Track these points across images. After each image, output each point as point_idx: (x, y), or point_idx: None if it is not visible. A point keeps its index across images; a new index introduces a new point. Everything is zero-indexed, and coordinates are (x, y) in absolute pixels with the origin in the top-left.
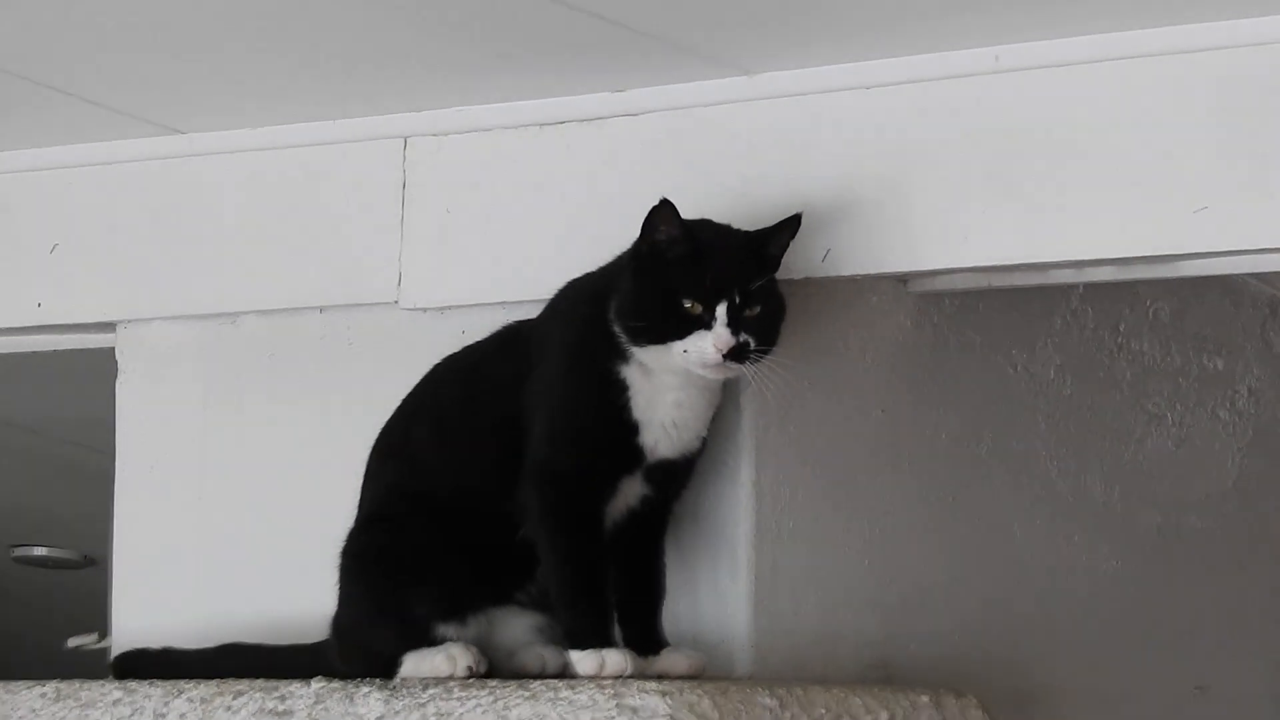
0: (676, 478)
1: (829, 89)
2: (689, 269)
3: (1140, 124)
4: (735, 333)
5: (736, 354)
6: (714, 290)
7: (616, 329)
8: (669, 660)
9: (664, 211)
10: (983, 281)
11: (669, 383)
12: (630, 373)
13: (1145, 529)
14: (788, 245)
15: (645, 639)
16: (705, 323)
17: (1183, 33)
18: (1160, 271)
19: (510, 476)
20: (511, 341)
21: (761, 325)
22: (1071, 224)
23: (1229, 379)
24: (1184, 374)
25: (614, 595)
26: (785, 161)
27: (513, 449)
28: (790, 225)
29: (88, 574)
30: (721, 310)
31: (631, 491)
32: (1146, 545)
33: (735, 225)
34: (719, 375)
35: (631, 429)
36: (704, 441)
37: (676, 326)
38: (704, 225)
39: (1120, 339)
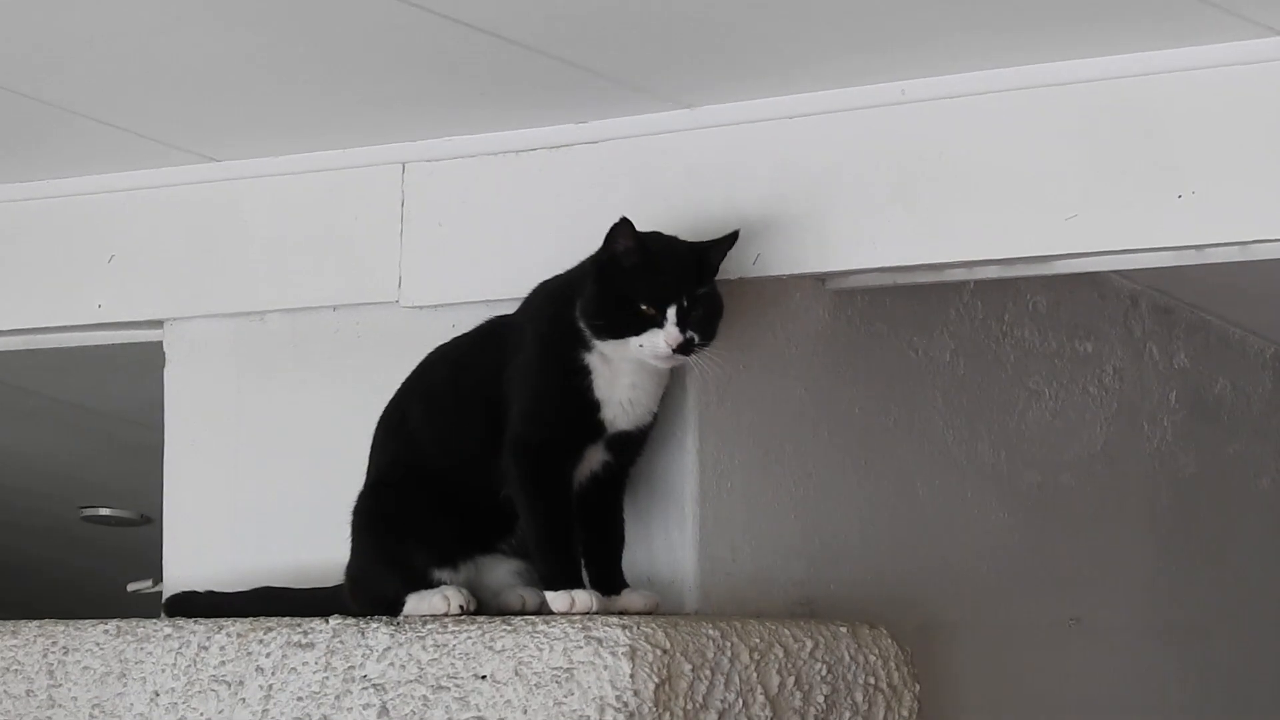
0: (632, 446)
1: (758, 119)
2: (644, 276)
3: (1020, 146)
4: (683, 330)
5: (684, 348)
6: (665, 295)
7: (582, 325)
8: (629, 599)
9: (623, 228)
10: (888, 280)
11: (625, 368)
12: (592, 359)
13: (1027, 487)
14: (725, 255)
15: (609, 581)
16: (658, 322)
17: (1054, 69)
18: (1038, 270)
19: (491, 447)
20: (491, 334)
21: (703, 323)
22: (963, 230)
23: (1097, 360)
24: (1059, 356)
25: (581, 544)
26: (721, 180)
27: (493, 424)
28: (729, 239)
29: (144, 530)
30: (671, 312)
31: (595, 458)
32: (1028, 500)
33: (680, 235)
34: (668, 365)
35: (594, 406)
36: (655, 416)
37: (633, 325)
38: (656, 238)
39: (1005, 327)
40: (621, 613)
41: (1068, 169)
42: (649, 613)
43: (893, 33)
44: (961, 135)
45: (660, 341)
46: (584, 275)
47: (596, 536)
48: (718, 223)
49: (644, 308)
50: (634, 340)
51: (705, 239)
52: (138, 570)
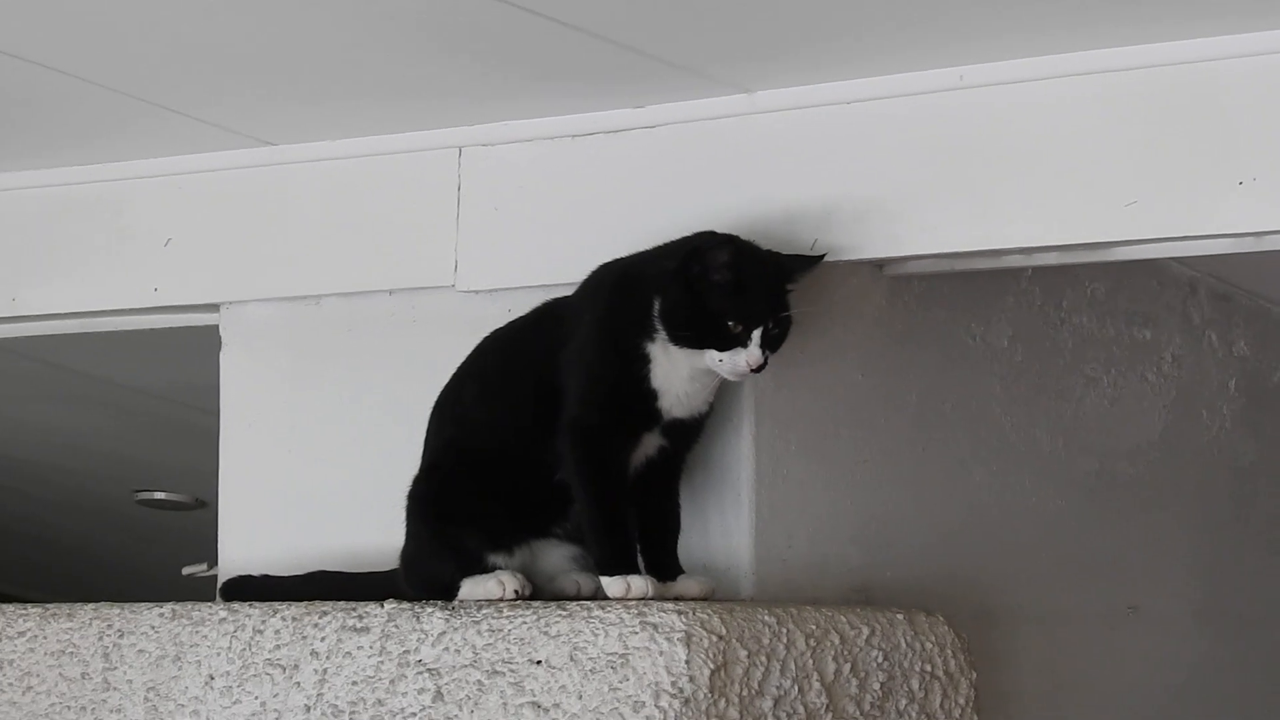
0: (688, 434)
1: (815, 104)
2: (734, 295)
3: (1079, 132)
4: (764, 352)
5: (762, 367)
6: (753, 317)
7: (659, 327)
8: (684, 585)
9: (725, 249)
10: (946, 266)
11: (684, 360)
12: (653, 349)
13: (1084, 474)
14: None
15: (664, 567)
16: (742, 341)
17: (1113, 55)
18: (1096, 256)
19: (547, 430)
20: (548, 317)
21: (777, 341)
22: (1021, 216)
23: (1155, 347)
24: (1117, 343)
25: (637, 530)
26: (779, 166)
27: (549, 407)
28: (815, 261)
29: (199, 514)
30: (757, 334)
31: (651, 444)
32: (1085, 487)
33: (738, 223)
34: (739, 380)
35: (651, 395)
36: (711, 405)
37: (718, 340)
38: (748, 252)
39: (1063, 314)
40: (677, 599)
41: (1127, 155)
42: (704, 599)
43: (951, 18)
44: (1019, 121)
45: (742, 361)
46: (661, 272)
47: (652, 522)
48: (773, 208)
49: (731, 325)
50: (715, 354)
51: (760, 231)
52: (193, 554)
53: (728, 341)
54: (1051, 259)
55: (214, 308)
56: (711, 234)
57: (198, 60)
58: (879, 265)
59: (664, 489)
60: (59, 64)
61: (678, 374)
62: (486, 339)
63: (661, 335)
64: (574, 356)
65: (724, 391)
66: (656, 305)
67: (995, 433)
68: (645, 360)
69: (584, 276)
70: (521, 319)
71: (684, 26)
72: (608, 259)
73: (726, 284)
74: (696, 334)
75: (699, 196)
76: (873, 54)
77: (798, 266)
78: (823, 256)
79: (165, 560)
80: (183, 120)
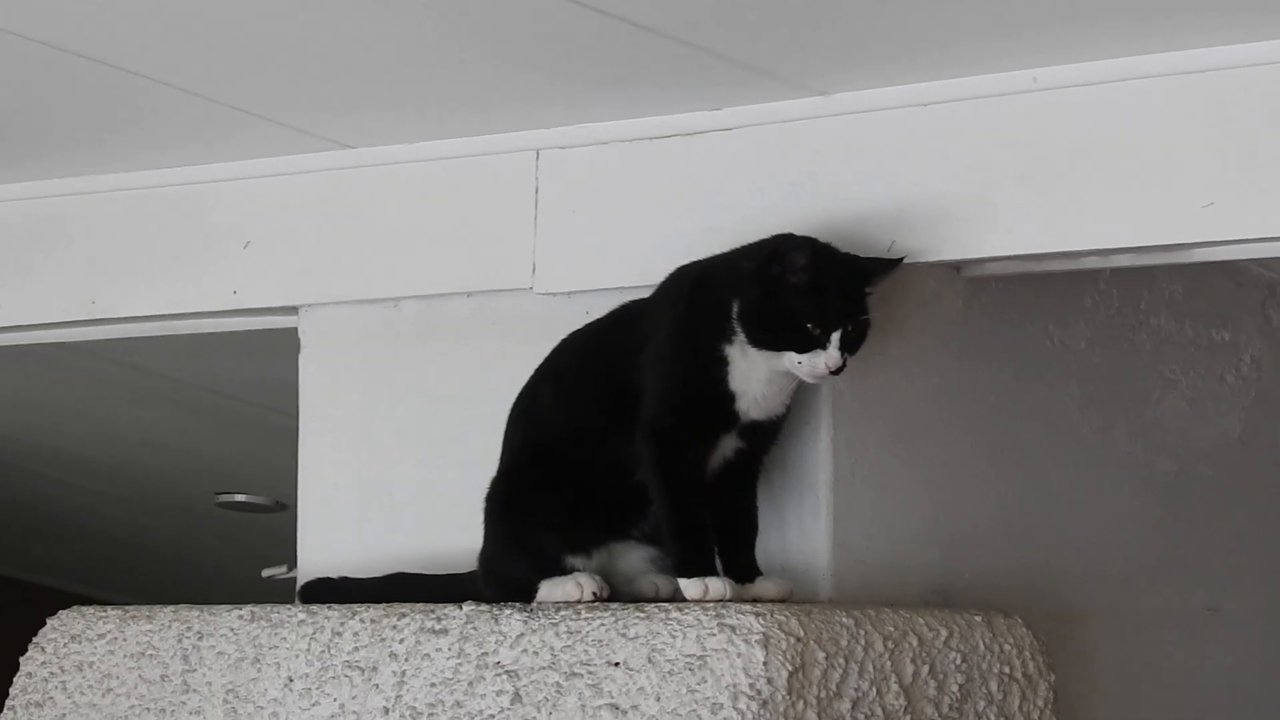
0: (766, 435)
1: (891, 106)
2: (813, 298)
3: (1156, 133)
4: (843, 354)
5: (840, 369)
6: (833, 319)
7: (737, 328)
8: (762, 586)
9: (802, 252)
10: (1024, 267)
11: (763, 363)
12: (731, 351)
13: (1163, 475)
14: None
15: (742, 568)
16: (821, 344)
17: (1189, 56)
18: (1174, 258)
19: (624, 432)
20: (626, 318)
21: (856, 344)
22: (1097, 218)
23: (1234, 349)
24: (1195, 345)
25: (715, 532)
26: (855, 168)
27: (627, 408)
28: (894, 264)
29: (279, 516)
30: (836, 336)
31: (728, 445)
32: (1164, 489)
33: (814, 224)
34: (817, 382)
35: (729, 397)
36: (788, 407)
37: (796, 342)
38: (824, 256)
39: (1141, 315)
40: (754, 600)
41: (1204, 156)
42: (782, 600)
43: (1025, 19)
44: (1095, 123)
45: (821, 363)
46: (739, 274)
47: (730, 524)
48: (849, 210)
49: (810, 327)
50: (794, 356)
51: (836, 233)
52: (272, 557)
53: (807, 344)
54: (1129, 260)
55: (293, 310)
56: (790, 236)
57: (278, 64)
58: (956, 267)
59: (742, 490)
60: (140, 68)
61: (755, 376)
62: (565, 340)
63: (740, 337)
64: (652, 358)
65: (802, 393)
66: (735, 307)
67: (1073, 434)
68: (723, 362)
69: (661, 278)
70: (599, 320)
71: (761, 29)
72: (684, 261)
73: (805, 286)
74: (775, 336)
75: (775, 199)
76: (948, 56)
77: (877, 269)
78: (902, 259)
79: (245, 562)
80: (263, 123)
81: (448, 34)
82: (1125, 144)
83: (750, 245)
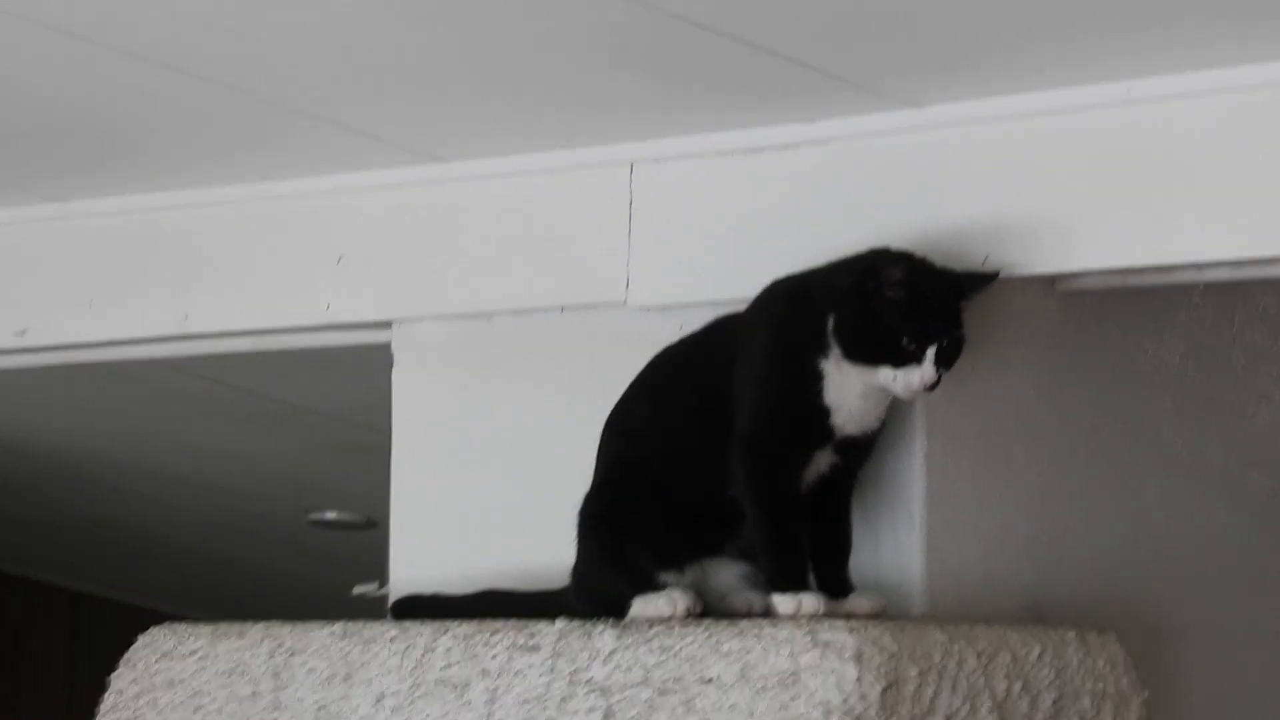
0: (861, 450)
1: (985, 119)
2: (910, 313)
3: (1250, 146)
4: (938, 370)
5: (935, 385)
6: (928, 335)
7: (833, 343)
8: (855, 602)
9: (897, 267)
10: (1117, 281)
11: (858, 378)
12: (827, 366)
13: (1257, 490)
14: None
15: (835, 584)
16: (916, 358)
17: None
18: (1269, 271)
19: (718, 446)
20: (720, 332)
21: (951, 359)
22: (1192, 231)
23: None
24: None
25: (808, 547)
26: (950, 180)
27: (721, 423)
28: (990, 278)
29: (370, 534)
30: (931, 351)
31: (823, 461)
32: (1258, 504)
33: (910, 236)
34: (911, 398)
35: (824, 412)
36: (883, 422)
37: (892, 357)
38: (922, 271)
39: (1234, 330)
40: (848, 615)
41: None
42: (876, 616)
43: (1119, 31)
44: (1189, 135)
45: (916, 379)
46: (835, 289)
47: (824, 539)
48: (945, 224)
49: (905, 342)
50: (889, 371)
51: (930, 245)
52: (362, 575)
53: (902, 358)
54: (1223, 274)
55: (386, 325)
56: (886, 251)
57: (370, 77)
58: (1050, 281)
59: (836, 506)
60: (230, 81)
61: (850, 390)
62: (659, 355)
63: (835, 351)
64: (747, 372)
65: (895, 408)
66: (830, 321)
67: (1167, 449)
68: (818, 376)
69: (755, 292)
70: (694, 334)
71: (856, 41)
72: (779, 275)
73: (900, 301)
74: (871, 350)
75: (870, 212)
76: (1042, 68)
77: (972, 284)
78: (998, 273)
79: (335, 580)
80: (355, 137)
81: (541, 45)
82: (1220, 156)
83: (847, 259)
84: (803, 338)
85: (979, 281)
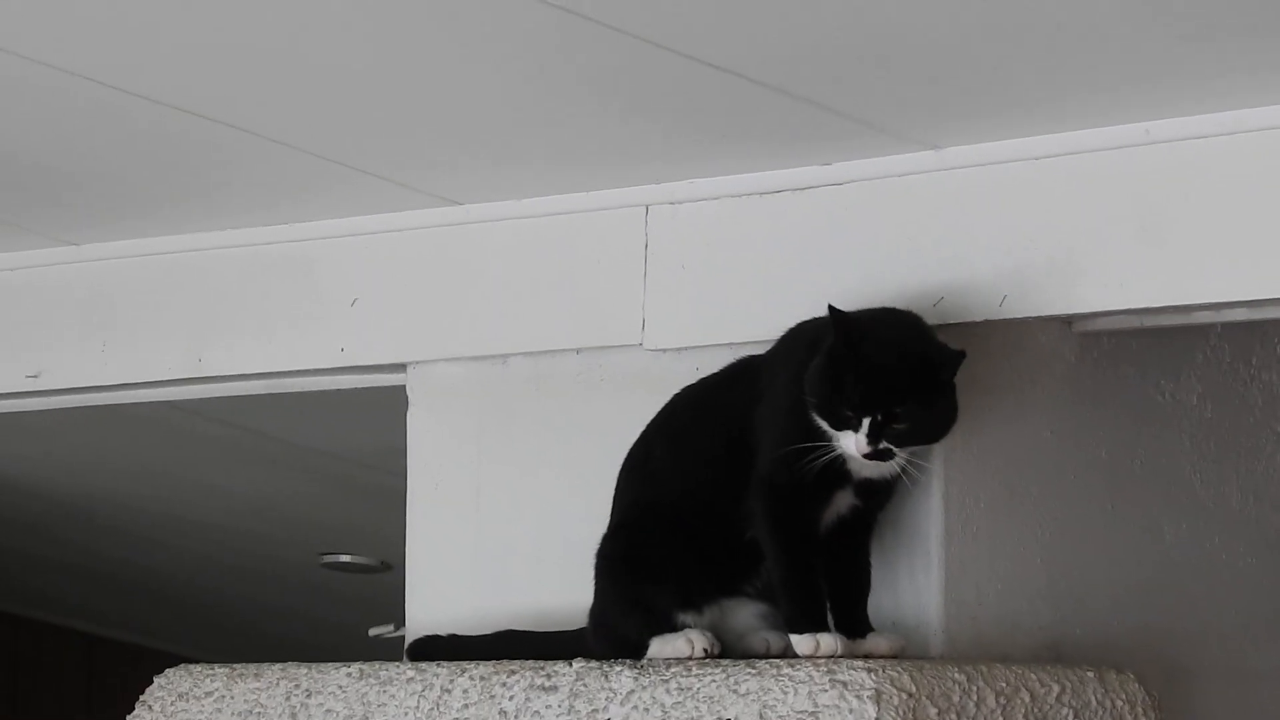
0: (880, 493)
1: (1003, 160)
2: (848, 378)
3: (1267, 186)
4: (874, 442)
5: (879, 455)
6: (862, 405)
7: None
8: (874, 642)
9: (837, 323)
10: (1135, 322)
11: None
12: None
13: (1275, 531)
14: (953, 371)
15: (854, 624)
16: (854, 426)
17: None
18: None
19: (737, 488)
20: (742, 374)
21: (908, 436)
22: (1210, 272)
23: None
24: None
25: (827, 587)
26: (967, 222)
27: (740, 464)
28: (955, 359)
29: (384, 577)
30: (866, 422)
31: (843, 502)
32: (1277, 544)
33: (919, 280)
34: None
35: (839, 457)
36: (904, 467)
37: (834, 418)
38: (874, 333)
39: (1252, 370)
40: (866, 656)
41: None
42: (894, 656)
43: (1137, 73)
44: (1207, 175)
45: (851, 445)
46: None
47: (842, 579)
48: (963, 265)
49: (844, 408)
50: (833, 432)
51: (948, 287)
52: (378, 618)
53: (843, 422)
54: (1241, 315)
55: (401, 368)
56: (869, 311)
57: (384, 120)
58: (1068, 322)
59: (855, 546)
60: (247, 124)
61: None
62: (678, 396)
63: None
64: (767, 416)
65: (915, 452)
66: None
67: (1185, 490)
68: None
69: (771, 334)
70: (715, 376)
71: (872, 83)
72: (795, 316)
73: (846, 363)
74: (820, 405)
75: (886, 253)
76: (1059, 109)
77: (934, 359)
78: (963, 353)
79: (350, 624)
80: (369, 180)
81: (556, 89)
82: (1238, 197)
83: (862, 310)
84: None
85: (941, 358)
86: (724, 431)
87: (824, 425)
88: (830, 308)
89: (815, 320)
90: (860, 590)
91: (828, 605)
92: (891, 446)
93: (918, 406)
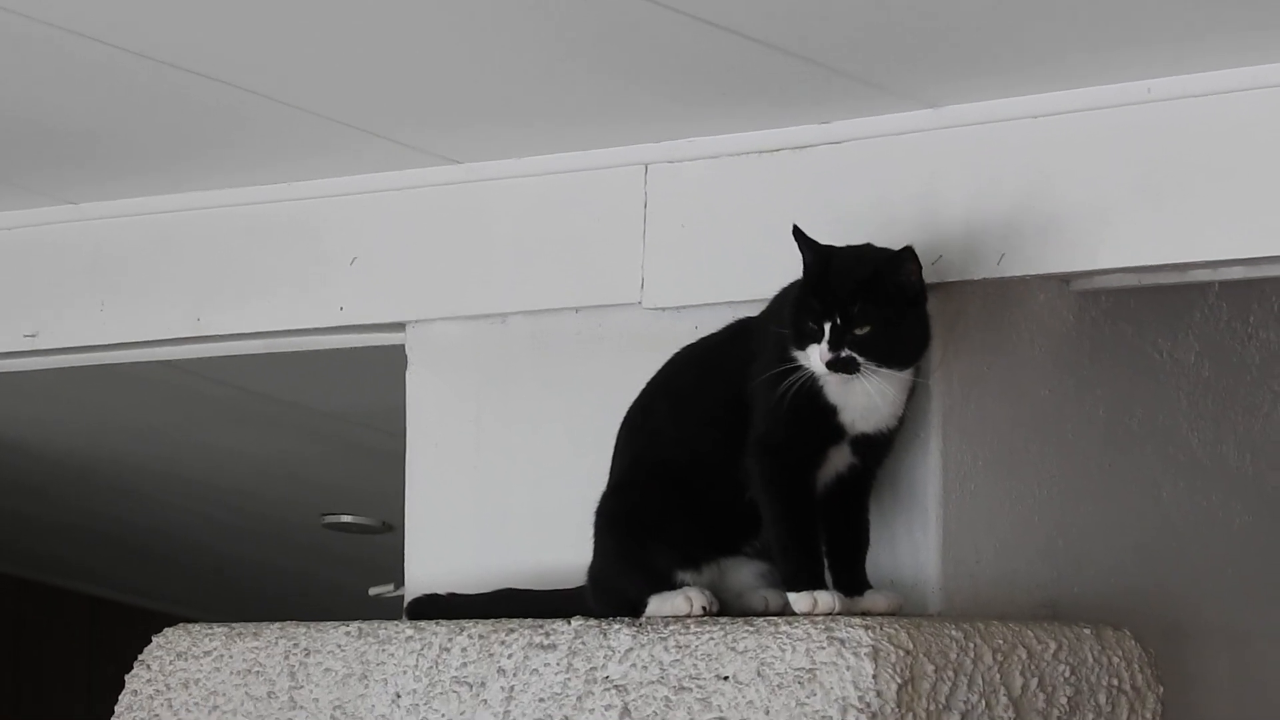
0: (877, 449)
1: (1002, 118)
2: (813, 290)
3: (1265, 144)
4: (836, 349)
5: (843, 365)
6: (823, 311)
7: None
8: (871, 600)
9: (797, 238)
10: (1133, 280)
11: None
12: None
13: (1273, 489)
14: (911, 272)
15: (852, 581)
16: (817, 337)
17: None
18: None
19: (736, 447)
20: (739, 334)
21: (871, 343)
22: (1208, 230)
23: None
24: None
25: (825, 545)
26: (965, 180)
27: (738, 424)
28: (901, 257)
29: (385, 537)
30: (827, 328)
31: (839, 460)
32: (1274, 503)
33: (917, 238)
34: (835, 379)
35: (830, 410)
36: (900, 420)
37: (804, 337)
38: (838, 252)
39: (1250, 329)
40: (864, 613)
41: None
42: (892, 614)
43: (1139, 31)
44: (1207, 134)
45: (816, 358)
46: None
47: (841, 537)
48: (960, 223)
49: (808, 322)
50: (801, 353)
51: (946, 245)
52: (379, 578)
53: (805, 338)
54: (1238, 273)
55: (400, 327)
56: (796, 230)
57: (385, 80)
58: (1065, 280)
59: (854, 504)
60: (248, 84)
61: (854, 387)
62: (678, 355)
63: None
64: (760, 374)
65: (911, 407)
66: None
67: (1182, 448)
68: (814, 376)
69: (769, 292)
70: (714, 335)
71: (870, 41)
72: (794, 274)
73: (810, 279)
74: (793, 332)
75: (886, 212)
76: (1059, 67)
77: (887, 261)
78: (908, 247)
79: (351, 584)
80: (369, 139)
81: (556, 49)
82: (1236, 154)
83: None
84: None
85: (894, 258)
86: (722, 392)
87: (796, 353)
88: (794, 228)
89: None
90: (858, 548)
91: (825, 563)
92: (855, 355)
93: (873, 307)
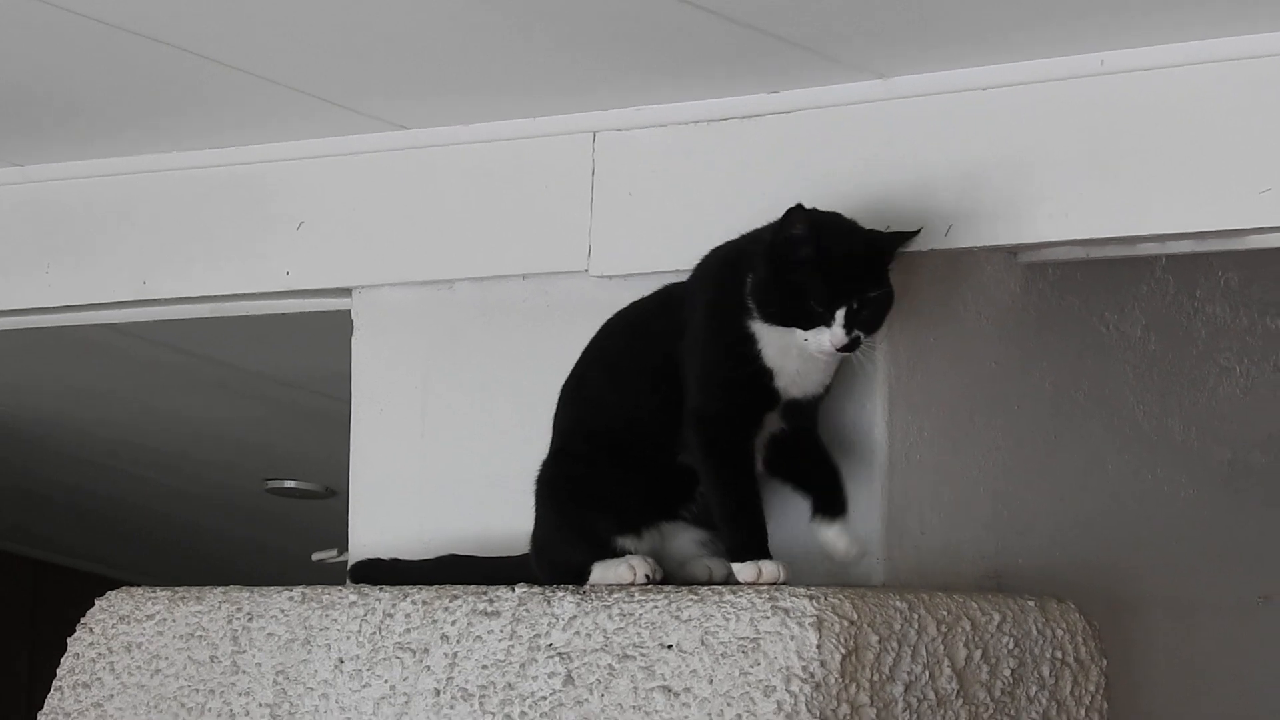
0: (806, 413)
1: (952, 90)
2: (816, 274)
3: (1215, 119)
4: (849, 331)
5: (848, 347)
6: (836, 297)
7: (750, 304)
8: (834, 535)
9: (797, 217)
10: (1080, 253)
11: (791, 339)
12: (758, 327)
13: (1217, 463)
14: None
15: (835, 504)
16: (825, 321)
17: (1252, 42)
18: (1230, 244)
19: (669, 413)
20: (667, 301)
21: (871, 321)
22: (1156, 203)
23: None
24: (1250, 333)
25: (799, 484)
26: (913, 152)
27: (671, 390)
28: (908, 236)
29: (329, 502)
30: (840, 314)
31: (773, 424)
32: (1218, 477)
33: (872, 208)
34: (829, 359)
35: (766, 374)
36: (827, 387)
37: (801, 318)
38: (834, 229)
39: (1196, 303)
40: (822, 546)
41: (1263, 142)
42: (845, 562)
43: (1092, 2)
44: (1158, 107)
45: (825, 340)
46: (755, 249)
47: (810, 469)
48: (906, 192)
49: (813, 305)
50: (800, 333)
51: (894, 216)
52: (322, 543)
53: (811, 320)
54: (1185, 246)
55: (346, 292)
56: (798, 209)
57: (333, 45)
58: (1013, 252)
59: (808, 446)
60: (195, 47)
61: (790, 352)
62: (609, 322)
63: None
64: (690, 341)
65: (857, 377)
66: (749, 283)
67: (1128, 421)
68: (753, 340)
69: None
70: (642, 302)
71: (820, 11)
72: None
73: (808, 261)
74: (781, 311)
75: (833, 182)
76: (1011, 39)
77: (889, 242)
78: (919, 230)
79: (294, 549)
80: (317, 104)
81: (505, 15)
82: (1185, 128)
83: (774, 221)
84: (735, 302)
85: (898, 239)
86: (654, 358)
87: (790, 331)
88: (796, 208)
89: (730, 243)
90: (832, 471)
91: (767, 531)
92: (861, 334)
93: (879, 289)
